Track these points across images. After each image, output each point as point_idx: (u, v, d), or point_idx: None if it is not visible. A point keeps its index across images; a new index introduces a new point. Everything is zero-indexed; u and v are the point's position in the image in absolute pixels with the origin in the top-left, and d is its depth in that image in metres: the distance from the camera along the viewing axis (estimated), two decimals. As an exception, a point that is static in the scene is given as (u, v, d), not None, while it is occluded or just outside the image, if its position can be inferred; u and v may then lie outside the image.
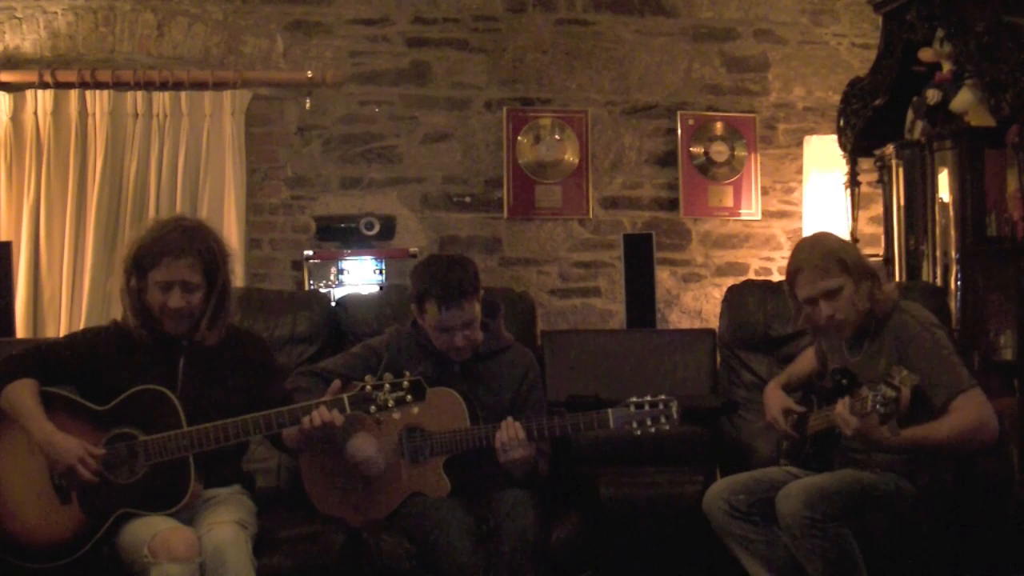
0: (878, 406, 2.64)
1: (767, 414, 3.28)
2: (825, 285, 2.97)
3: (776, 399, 3.27)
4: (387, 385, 2.79)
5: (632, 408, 3.02)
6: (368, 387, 2.80)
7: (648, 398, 3.03)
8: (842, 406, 2.77)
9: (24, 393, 2.82)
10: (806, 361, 3.36)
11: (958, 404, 2.86)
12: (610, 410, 3.04)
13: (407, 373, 2.83)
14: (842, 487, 2.90)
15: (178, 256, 2.84)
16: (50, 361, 2.92)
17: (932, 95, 4.49)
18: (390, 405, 2.79)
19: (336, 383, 2.91)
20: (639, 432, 3.03)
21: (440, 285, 3.10)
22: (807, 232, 5.41)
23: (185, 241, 2.87)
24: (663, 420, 3.02)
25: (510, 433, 3.01)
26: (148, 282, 2.86)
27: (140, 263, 2.87)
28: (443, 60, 5.32)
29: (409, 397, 2.79)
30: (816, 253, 3.02)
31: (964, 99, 4.36)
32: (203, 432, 2.77)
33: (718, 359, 4.05)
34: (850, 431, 2.77)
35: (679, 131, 5.46)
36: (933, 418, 2.86)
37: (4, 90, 4.87)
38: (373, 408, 2.79)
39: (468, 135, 5.35)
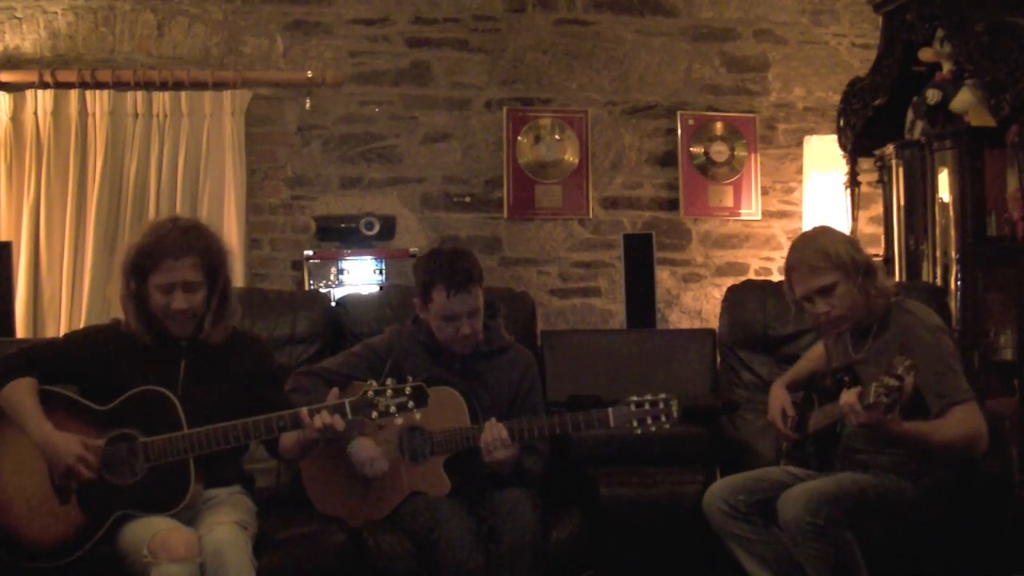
0: (882, 396, 2.66)
1: (768, 413, 3.29)
2: (818, 282, 2.98)
3: (778, 399, 3.27)
4: (389, 391, 2.77)
5: (632, 406, 3.03)
6: (370, 392, 2.78)
7: (648, 396, 3.03)
8: (849, 396, 2.77)
9: (23, 392, 2.81)
10: (812, 357, 3.36)
11: (954, 414, 2.86)
12: (610, 408, 3.05)
13: (410, 378, 2.81)
14: (843, 491, 2.89)
15: (178, 257, 2.82)
16: (49, 360, 2.91)
17: (932, 95, 4.50)
18: (392, 411, 2.77)
19: (335, 390, 2.89)
20: (639, 430, 3.03)
21: (447, 271, 3.12)
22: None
23: (184, 241, 2.85)
24: (663, 418, 3.03)
25: (493, 434, 3.02)
26: (149, 285, 2.84)
27: (139, 267, 2.84)
28: (443, 60, 5.32)
29: (411, 403, 2.78)
30: (809, 250, 3.02)
31: (964, 99, 4.36)
32: (203, 435, 2.76)
33: (718, 359, 4.04)
34: (856, 421, 2.77)
35: (679, 131, 5.46)
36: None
37: (4, 90, 4.86)
38: (375, 414, 2.77)
39: (468, 135, 5.34)
